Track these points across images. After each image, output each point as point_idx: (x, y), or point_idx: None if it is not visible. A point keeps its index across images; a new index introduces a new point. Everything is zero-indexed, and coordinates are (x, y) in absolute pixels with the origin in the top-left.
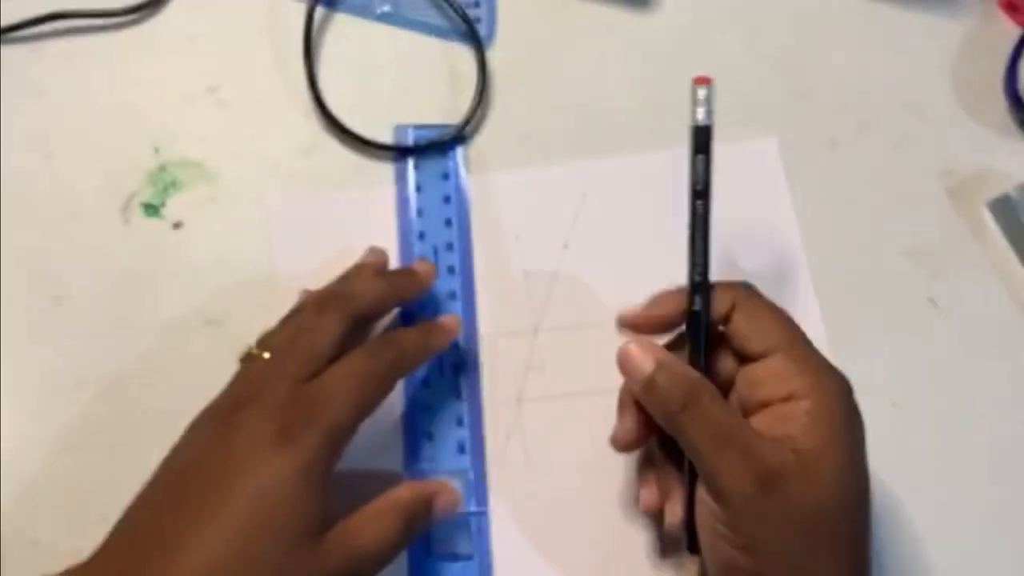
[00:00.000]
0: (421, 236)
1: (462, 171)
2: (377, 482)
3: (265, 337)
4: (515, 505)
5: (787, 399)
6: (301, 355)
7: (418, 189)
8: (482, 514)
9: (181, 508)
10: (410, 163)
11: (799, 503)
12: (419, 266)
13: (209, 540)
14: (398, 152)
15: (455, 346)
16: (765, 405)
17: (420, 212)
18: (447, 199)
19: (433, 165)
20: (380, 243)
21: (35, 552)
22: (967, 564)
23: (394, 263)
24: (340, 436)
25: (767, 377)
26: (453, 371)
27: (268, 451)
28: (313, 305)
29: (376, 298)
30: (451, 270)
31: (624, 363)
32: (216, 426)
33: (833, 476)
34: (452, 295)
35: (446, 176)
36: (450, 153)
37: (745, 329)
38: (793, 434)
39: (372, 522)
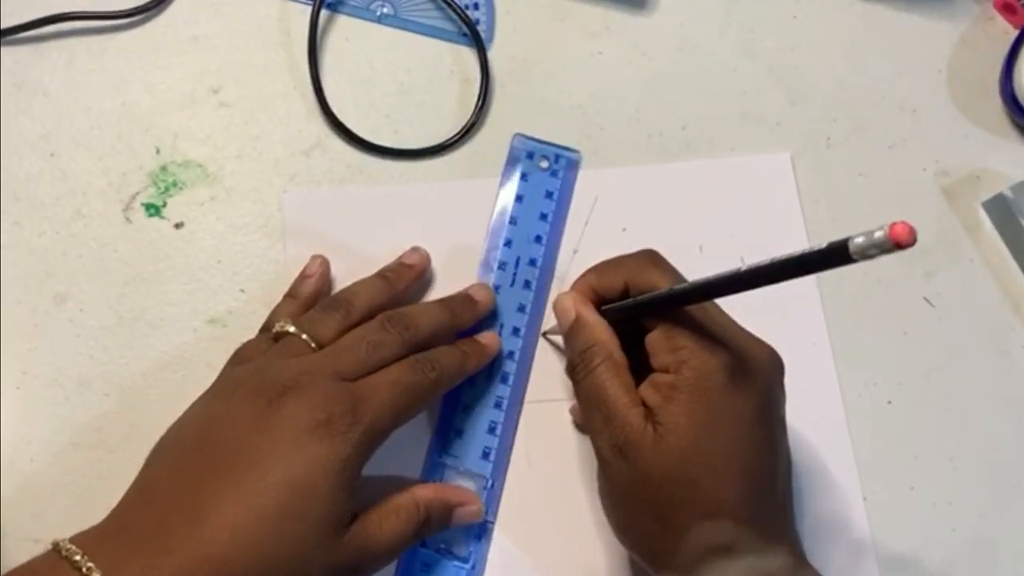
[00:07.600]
0: (508, 243)
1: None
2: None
3: (303, 322)
4: (517, 513)
5: (664, 370)
6: (356, 360)
7: (519, 199)
8: (489, 524)
9: (211, 480)
10: (517, 173)
11: (646, 472)
12: (480, 293)
13: (241, 515)
14: (398, 153)
15: (509, 357)
16: (660, 371)
17: (514, 220)
18: (543, 216)
19: (538, 179)
20: (382, 241)
21: (36, 551)
22: (962, 560)
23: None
24: (377, 437)
25: (651, 347)
26: (501, 380)
27: (309, 440)
28: (381, 322)
29: (437, 330)
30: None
31: (556, 308)
32: (258, 406)
33: (683, 450)
34: None
35: (550, 195)
36: (555, 167)
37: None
38: (658, 405)
39: (390, 516)
